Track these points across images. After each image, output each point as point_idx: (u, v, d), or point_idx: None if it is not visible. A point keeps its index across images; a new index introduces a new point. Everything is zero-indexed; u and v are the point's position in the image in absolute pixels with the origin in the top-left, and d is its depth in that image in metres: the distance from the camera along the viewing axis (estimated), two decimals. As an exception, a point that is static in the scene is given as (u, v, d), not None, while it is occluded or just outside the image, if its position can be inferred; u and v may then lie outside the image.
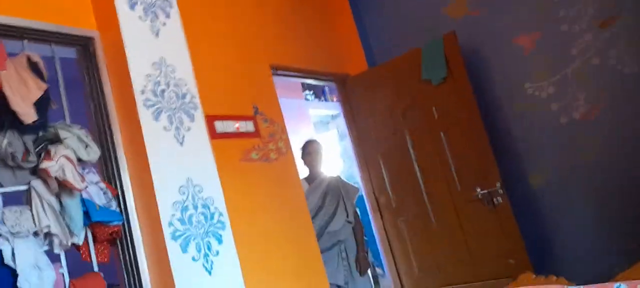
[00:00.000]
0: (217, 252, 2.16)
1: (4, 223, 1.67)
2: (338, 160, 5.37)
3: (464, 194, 3.35)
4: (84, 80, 2.24)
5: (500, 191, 3.19)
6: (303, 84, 4.95)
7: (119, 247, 2.10)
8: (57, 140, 1.89)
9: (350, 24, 4.09)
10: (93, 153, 1.99)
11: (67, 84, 2.17)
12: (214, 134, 2.48)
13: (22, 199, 1.83)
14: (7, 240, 1.67)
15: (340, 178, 3.56)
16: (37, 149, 1.88)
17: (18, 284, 1.64)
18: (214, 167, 2.33)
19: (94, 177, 2.02)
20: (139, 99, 2.13)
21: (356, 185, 3.68)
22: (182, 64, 2.37)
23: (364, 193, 3.86)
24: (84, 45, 2.24)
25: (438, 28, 3.55)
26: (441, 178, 3.44)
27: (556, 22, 3.23)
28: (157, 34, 2.30)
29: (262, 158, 2.75)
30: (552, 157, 3.30)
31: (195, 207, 2.16)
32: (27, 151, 1.85)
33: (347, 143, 4.11)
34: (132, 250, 2.09)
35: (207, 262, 2.10)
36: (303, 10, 3.71)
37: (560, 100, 3.25)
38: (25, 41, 2.02)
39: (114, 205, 2.05)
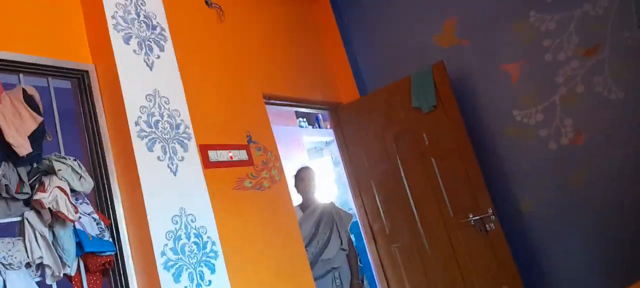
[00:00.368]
0: (210, 282, 2.17)
1: (-3, 255, 1.68)
2: (332, 186, 5.39)
3: (457, 220, 3.38)
4: (79, 112, 2.28)
5: (493, 217, 3.22)
6: (296, 112, 5.01)
7: (112, 277, 2.10)
8: (51, 171, 1.92)
9: (341, 52, 4.17)
10: (87, 184, 2.01)
11: (62, 115, 2.20)
12: (207, 163, 2.51)
13: (15, 231, 1.84)
14: None
15: (334, 205, 3.58)
16: (31, 181, 1.90)
17: (9, 316, 1.64)
18: (207, 196, 2.35)
19: (87, 207, 2.03)
20: (133, 130, 2.16)
21: (350, 212, 3.69)
22: (175, 95, 2.41)
23: (358, 220, 3.88)
24: (80, 78, 2.28)
25: (428, 57, 3.63)
26: (433, 204, 3.48)
27: (541, 51, 3.32)
28: (151, 67, 2.35)
29: (255, 187, 2.77)
30: (543, 182, 3.35)
31: (188, 237, 2.17)
32: (21, 182, 1.87)
33: (341, 169, 4.14)
34: (124, 280, 2.09)
35: (199, 291, 2.10)
36: (295, 40, 3.80)
37: (549, 126, 3.32)
38: (21, 75, 2.07)
39: (106, 236, 2.06)
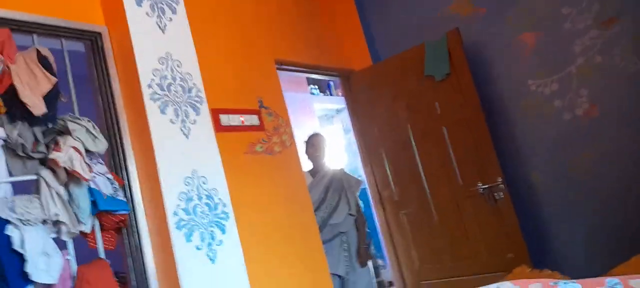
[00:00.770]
0: (221, 242, 2.22)
1: (14, 211, 1.73)
2: (342, 153, 5.41)
3: (466, 189, 3.38)
4: (92, 74, 2.31)
5: (502, 186, 3.22)
6: (308, 78, 4.99)
7: (125, 236, 2.16)
8: (66, 132, 1.95)
9: (355, 19, 4.12)
10: (101, 144, 2.05)
11: (76, 78, 2.23)
12: (219, 127, 2.53)
13: (31, 188, 1.89)
14: (17, 227, 1.73)
15: (344, 171, 3.60)
16: (47, 140, 1.95)
17: (27, 269, 1.70)
18: (219, 159, 2.39)
19: (101, 167, 2.08)
20: (146, 92, 2.19)
21: (359, 178, 3.72)
22: (188, 59, 2.42)
23: (367, 187, 3.91)
24: (93, 40, 2.30)
25: (443, 25, 3.57)
26: (443, 173, 3.48)
27: (559, 19, 3.24)
28: (163, 30, 2.36)
29: (266, 151, 2.80)
30: (554, 153, 3.32)
31: (200, 198, 2.22)
32: (36, 142, 1.91)
33: (352, 137, 4.14)
34: (137, 238, 2.15)
35: (210, 251, 2.16)
36: (308, 5, 3.75)
37: (564, 97, 3.26)
38: (35, 36, 2.09)
39: (120, 195, 2.11)
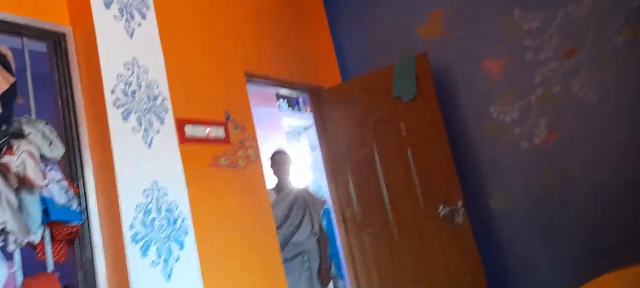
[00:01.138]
0: (178, 258, 2.15)
1: (-41, 217, 1.63)
2: (308, 171, 5.40)
3: (427, 211, 3.43)
4: (53, 75, 2.21)
5: (462, 209, 3.28)
6: (277, 94, 4.97)
7: (77, 248, 2.06)
8: (20, 134, 1.86)
9: (327, 36, 4.15)
10: (57, 150, 1.96)
11: (35, 78, 2.13)
12: (183, 138, 2.47)
13: (-21, 193, 1.78)
14: (-39, 234, 1.62)
15: (308, 190, 3.59)
16: (-1, 143, 1.85)
17: (-31, 280, 1.60)
18: (181, 171, 2.32)
19: (56, 174, 1.98)
20: (109, 98, 2.11)
21: (323, 198, 3.71)
22: (155, 66, 2.36)
23: (330, 206, 3.90)
24: (56, 40, 2.21)
25: (412, 46, 3.65)
26: (406, 194, 3.52)
27: (522, 50, 3.36)
28: (131, 35, 2.29)
29: (230, 165, 2.75)
30: (513, 179, 3.42)
31: (159, 211, 2.14)
32: (-13, 144, 1.81)
33: (318, 155, 4.14)
34: (90, 251, 2.06)
35: (166, 267, 2.08)
36: (280, 19, 3.75)
37: (523, 125, 3.38)
38: (-6, 32, 1.99)
39: (75, 205, 2.02)
